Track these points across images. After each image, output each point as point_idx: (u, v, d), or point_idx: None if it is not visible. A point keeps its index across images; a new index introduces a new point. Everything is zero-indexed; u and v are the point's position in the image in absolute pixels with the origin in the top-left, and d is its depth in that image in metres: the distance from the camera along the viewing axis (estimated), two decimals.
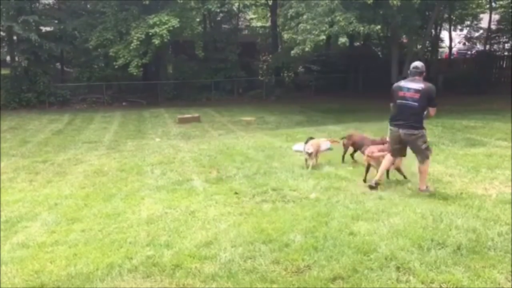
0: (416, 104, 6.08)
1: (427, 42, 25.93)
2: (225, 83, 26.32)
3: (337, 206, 5.63)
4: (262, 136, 12.71)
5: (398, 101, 6.21)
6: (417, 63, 6.33)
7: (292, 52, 17.66)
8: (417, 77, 6.19)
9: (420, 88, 6.06)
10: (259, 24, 33.23)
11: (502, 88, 23.49)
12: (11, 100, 22.02)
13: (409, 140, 6.27)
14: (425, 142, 6.28)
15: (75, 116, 19.96)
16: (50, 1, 25.11)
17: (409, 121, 6.17)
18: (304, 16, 17.22)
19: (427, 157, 6.31)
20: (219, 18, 28.30)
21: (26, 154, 11.62)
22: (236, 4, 26.18)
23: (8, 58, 24.18)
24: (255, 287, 3.76)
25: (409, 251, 4.20)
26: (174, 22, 20.76)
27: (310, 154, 7.73)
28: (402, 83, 6.28)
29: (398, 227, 4.75)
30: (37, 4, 23.77)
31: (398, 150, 6.49)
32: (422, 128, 6.23)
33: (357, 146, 8.28)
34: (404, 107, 6.16)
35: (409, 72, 6.35)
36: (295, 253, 4.26)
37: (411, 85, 6.13)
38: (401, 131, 6.25)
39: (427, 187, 6.34)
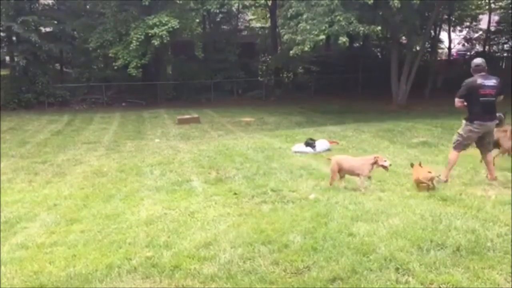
0: (494, 98, 6.61)
1: (427, 42, 25.93)
2: (225, 83, 26.32)
3: (336, 207, 5.63)
4: (262, 136, 12.71)
5: (482, 98, 6.56)
6: (479, 61, 6.75)
7: (291, 52, 17.67)
8: (484, 73, 6.62)
9: (495, 84, 6.58)
10: (258, 24, 33.25)
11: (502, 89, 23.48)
12: (11, 101, 22.02)
13: (492, 130, 6.88)
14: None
15: (74, 116, 19.95)
16: (50, 2, 25.09)
17: (494, 114, 6.75)
18: (304, 16, 17.22)
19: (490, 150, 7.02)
20: (218, 19, 28.31)
21: (25, 155, 11.61)
22: (236, 5, 26.19)
23: (7, 58, 24.17)
24: None
25: (409, 252, 4.19)
26: (174, 23, 20.77)
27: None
28: (479, 80, 6.56)
29: (397, 228, 4.75)
30: (37, 5, 23.77)
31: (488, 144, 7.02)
32: None
33: None
34: (489, 103, 6.59)
35: (472, 70, 6.72)
36: (294, 254, 4.26)
37: (488, 83, 6.55)
38: (489, 123, 6.74)
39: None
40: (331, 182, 6.66)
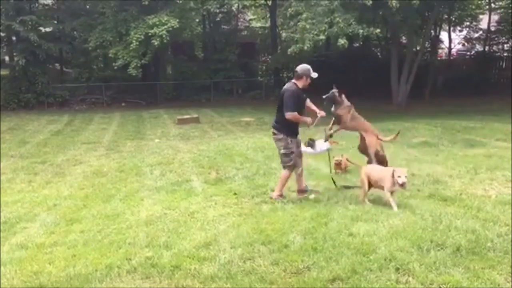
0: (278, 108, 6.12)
1: (427, 42, 25.93)
2: (224, 83, 26.31)
3: (336, 207, 5.62)
4: (262, 136, 12.70)
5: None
6: (299, 66, 6.16)
7: (289, 50, 17.61)
8: (293, 80, 6.13)
9: (281, 94, 6.06)
10: (258, 24, 33.22)
11: (502, 89, 23.52)
12: (10, 101, 21.99)
13: (274, 141, 6.27)
14: (285, 148, 6.07)
15: (74, 116, 19.94)
16: (50, 1, 25.08)
17: (274, 122, 6.25)
18: (304, 15, 17.22)
19: (284, 167, 6.16)
20: (218, 19, 28.29)
21: (25, 155, 11.60)
22: (236, 5, 26.17)
23: (7, 58, 24.16)
24: None
25: (409, 252, 4.19)
26: (174, 22, 20.74)
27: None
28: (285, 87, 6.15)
29: (397, 228, 4.74)
30: (36, 5, 23.75)
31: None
32: (284, 133, 6.07)
33: None
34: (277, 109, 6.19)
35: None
36: (294, 254, 4.26)
37: (283, 91, 6.05)
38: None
39: (280, 195, 6.20)
40: (363, 197, 5.84)
